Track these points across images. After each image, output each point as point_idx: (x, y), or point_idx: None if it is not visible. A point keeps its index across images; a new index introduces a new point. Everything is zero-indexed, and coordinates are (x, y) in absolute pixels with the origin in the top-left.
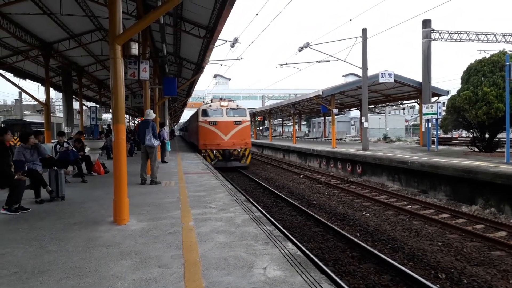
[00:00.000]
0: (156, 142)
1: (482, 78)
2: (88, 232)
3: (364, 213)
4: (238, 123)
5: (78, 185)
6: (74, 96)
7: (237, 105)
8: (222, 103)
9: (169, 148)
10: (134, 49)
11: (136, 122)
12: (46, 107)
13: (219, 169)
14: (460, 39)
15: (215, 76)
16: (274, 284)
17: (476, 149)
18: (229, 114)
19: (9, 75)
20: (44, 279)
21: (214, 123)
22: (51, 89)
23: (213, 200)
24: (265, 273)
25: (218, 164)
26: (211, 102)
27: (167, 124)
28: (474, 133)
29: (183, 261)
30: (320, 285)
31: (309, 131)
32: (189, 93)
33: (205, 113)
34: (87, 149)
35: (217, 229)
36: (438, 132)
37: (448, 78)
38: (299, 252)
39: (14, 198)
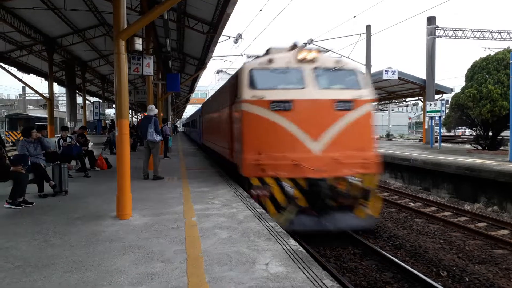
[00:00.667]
0: (158, 138)
1: (487, 76)
2: (91, 226)
3: None
4: (346, 106)
5: (81, 179)
6: (77, 91)
7: (338, 61)
8: (302, 55)
9: (170, 144)
10: (138, 44)
11: (139, 118)
12: (49, 101)
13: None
14: (465, 37)
15: (217, 71)
16: (277, 280)
17: (480, 147)
18: (321, 82)
19: (13, 70)
20: (47, 273)
21: (283, 106)
22: (55, 84)
23: (216, 195)
24: (267, 269)
25: (300, 223)
26: (268, 53)
27: (170, 119)
28: (478, 131)
29: (186, 256)
30: (322, 282)
31: None
32: (192, 88)
33: (255, 79)
34: (90, 144)
35: (220, 224)
36: (441, 130)
37: (452, 75)
38: (301, 249)
39: (18, 192)
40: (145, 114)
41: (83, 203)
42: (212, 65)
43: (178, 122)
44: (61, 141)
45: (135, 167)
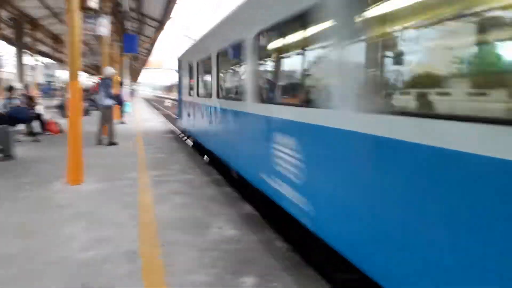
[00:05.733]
0: (108, 101)
1: None
2: (41, 192)
3: None
4: None
5: (31, 144)
6: (27, 51)
7: None
8: None
9: (128, 109)
10: (94, 2)
11: (95, 81)
12: None
13: None
14: None
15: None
16: (230, 242)
17: None
18: None
19: None
20: None
21: None
22: (2, 43)
23: (173, 162)
24: (221, 232)
25: None
26: None
27: (127, 83)
28: None
29: (139, 221)
30: (273, 243)
31: None
32: (150, 52)
33: None
34: (41, 107)
35: (175, 190)
36: None
37: None
38: (255, 213)
39: None
40: (101, 78)
41: (32, 168)
42: (174, 30)
43: (134, 86)
44: (8, 101)
45: (90, 132)
